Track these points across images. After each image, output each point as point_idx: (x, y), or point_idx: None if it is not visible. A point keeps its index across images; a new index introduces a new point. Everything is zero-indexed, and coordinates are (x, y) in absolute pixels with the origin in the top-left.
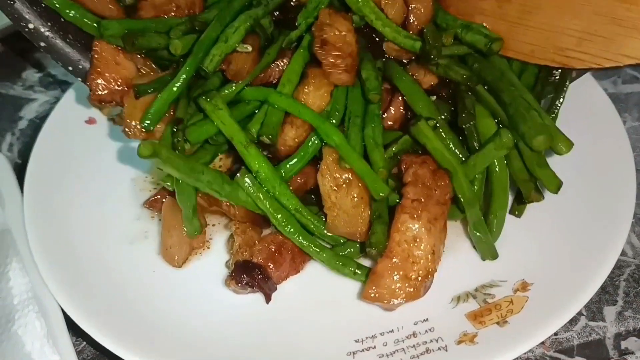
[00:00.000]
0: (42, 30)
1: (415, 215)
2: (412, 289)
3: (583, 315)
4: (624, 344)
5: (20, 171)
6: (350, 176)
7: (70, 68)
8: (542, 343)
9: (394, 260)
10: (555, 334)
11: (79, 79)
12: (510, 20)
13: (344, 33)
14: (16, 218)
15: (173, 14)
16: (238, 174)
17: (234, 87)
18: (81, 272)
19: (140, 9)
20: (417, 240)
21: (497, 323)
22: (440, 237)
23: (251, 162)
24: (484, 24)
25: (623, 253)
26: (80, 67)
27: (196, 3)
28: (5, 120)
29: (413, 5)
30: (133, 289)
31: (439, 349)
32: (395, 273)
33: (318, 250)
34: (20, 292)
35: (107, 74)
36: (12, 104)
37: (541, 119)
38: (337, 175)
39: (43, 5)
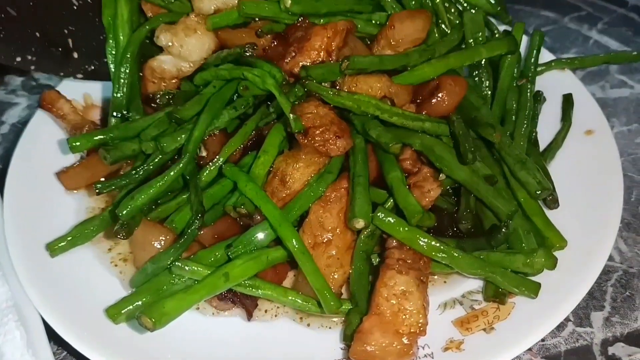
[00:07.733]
0: (29, 57)
1: (403, 271)
2: (404, 345)
3: (570, 321)
4: (611, 350)
5: (1, 177)
6: (331, 236)
7: (61, 74)
8: (529, 349)
9: (383, 315)
10: (543, 340)
11: (71, 78)
12: None
13: (314, 111)
14: None
15: None
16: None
17: (208, 172)
18: (62, 281)
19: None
20: (407, 293)
21: (484, 329)
22: (426, 295)
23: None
24: None
25: (610, 258)
26: (70, 69)
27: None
28: None
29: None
30: (114, 298)
31: (425, 355)
32: (385, 329)
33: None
34: (0, 301)
35: None
36: None
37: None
38: (318, 234)
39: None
